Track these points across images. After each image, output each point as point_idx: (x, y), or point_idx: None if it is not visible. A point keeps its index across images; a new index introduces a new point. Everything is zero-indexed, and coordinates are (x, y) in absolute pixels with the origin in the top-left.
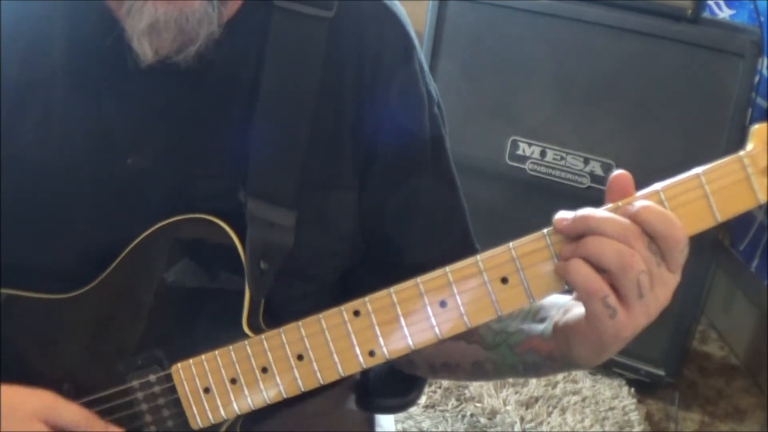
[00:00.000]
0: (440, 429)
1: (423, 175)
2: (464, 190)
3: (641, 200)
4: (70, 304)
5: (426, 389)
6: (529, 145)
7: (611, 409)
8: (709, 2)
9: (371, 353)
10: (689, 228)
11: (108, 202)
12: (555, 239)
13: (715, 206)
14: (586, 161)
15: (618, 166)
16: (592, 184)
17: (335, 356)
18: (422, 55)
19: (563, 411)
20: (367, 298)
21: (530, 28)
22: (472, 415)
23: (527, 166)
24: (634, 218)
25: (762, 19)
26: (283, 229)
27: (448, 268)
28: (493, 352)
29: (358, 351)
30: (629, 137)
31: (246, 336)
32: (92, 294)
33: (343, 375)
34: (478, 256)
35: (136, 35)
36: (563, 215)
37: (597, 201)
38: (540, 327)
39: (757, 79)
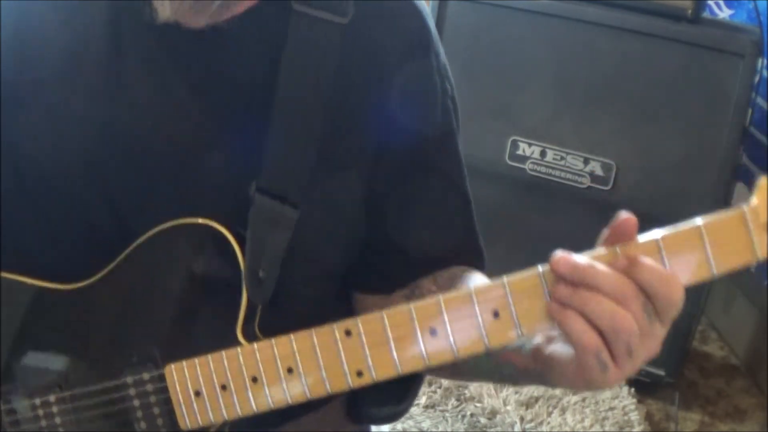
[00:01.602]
0: (440, 429)
1: (429, 173)
2: None
3: (642, 257)
4: (73, 295)
5: (426, 389)
6: (529, 145)
7: (611, 409)
8: (709, 2)
9: (359, 373)
10: (683, 279)
11: (121, 167)
12: (550, 276)
13: (712, 260)
14: (586, 161)
15: (618, 166)
16: (592, 184)
17: (323, 372)
18: (440, 46)
19: (563, 411)
20: (359, 319)
21: (530, 28)
22: (472, 415)
23: (527, 166)
24: (634, 277)
25: (762, 19)
26: (284, 228)
27: (441, 296)
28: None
29: (346, 369)
30: (629, 137)
31: (239, 343)
32: (95, 289)
33: (330, 392)
34: (473, 287)
35: None
36: (563, 256)
37: (597, 201)
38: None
39: (757, 79)
